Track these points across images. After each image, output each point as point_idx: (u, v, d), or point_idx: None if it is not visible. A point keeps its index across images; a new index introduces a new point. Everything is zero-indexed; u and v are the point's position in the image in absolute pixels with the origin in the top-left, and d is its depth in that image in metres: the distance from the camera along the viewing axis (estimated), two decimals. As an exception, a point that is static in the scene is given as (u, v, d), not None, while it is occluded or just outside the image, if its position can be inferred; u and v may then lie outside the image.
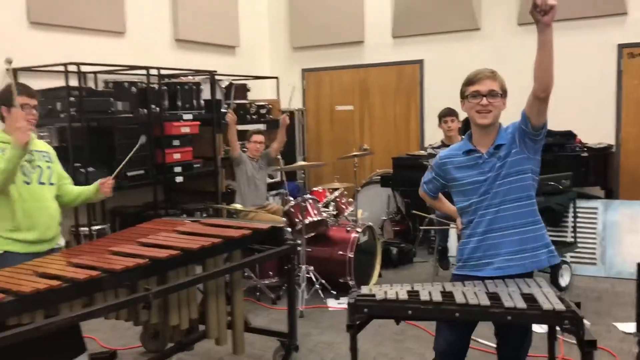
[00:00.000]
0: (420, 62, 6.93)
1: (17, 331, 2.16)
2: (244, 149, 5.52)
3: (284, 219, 4.82)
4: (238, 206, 4.95)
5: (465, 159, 2.44)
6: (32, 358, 2.49)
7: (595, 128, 5.90)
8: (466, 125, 4.57)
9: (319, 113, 7.70)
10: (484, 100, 2.35)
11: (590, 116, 5.97)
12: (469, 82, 2.41)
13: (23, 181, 2.90)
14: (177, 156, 5.59)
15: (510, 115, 2.53)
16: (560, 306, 2.12)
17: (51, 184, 3.05)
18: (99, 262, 2.64)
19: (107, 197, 3.28)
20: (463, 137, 2.57)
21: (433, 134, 6.21)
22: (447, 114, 4.86)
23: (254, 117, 6.61)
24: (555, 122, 5.86)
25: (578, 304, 2.17)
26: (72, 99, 4.71)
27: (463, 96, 2.45)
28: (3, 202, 2.85)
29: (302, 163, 4.93)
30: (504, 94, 2.40)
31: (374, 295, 2.30)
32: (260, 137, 5.46)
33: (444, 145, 4.84)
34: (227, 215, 5.22)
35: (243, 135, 6.93)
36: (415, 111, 7.07)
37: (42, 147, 3.13)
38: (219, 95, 6.21)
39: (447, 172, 2.49)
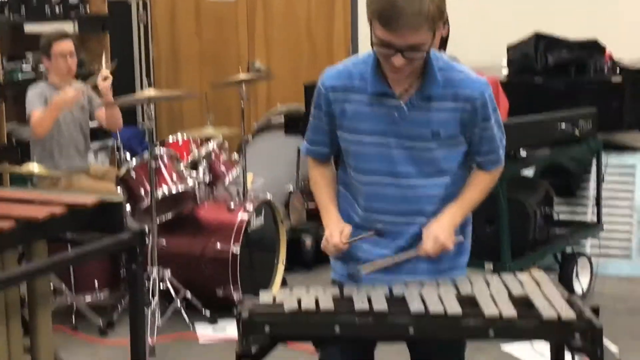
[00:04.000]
0: None
1: None
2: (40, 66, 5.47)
3: (119, 188, 4.95)
4: (36, 167, 4.98)
5: (369, 100, 2.64)
6: None
7: (635, 37, 6.31)
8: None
9: (176, 5, 7.79)
10: (399, 59, 2.46)
11: (628, 20, 6.38)
12: (380, 18, 2.43)
13: None
14: None
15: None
16: (569, 313, 2.41)
17: None
18: None
19: None
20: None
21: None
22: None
23: (57, 11, 6.69)
24: (573, 27, 6.24)
25: (596, 310, 2.48)
26: None
27: (371, 27, 2.51)
28: None
29: (150, 93, 5.01)
30: (435, 30, 2.48)
31: (280, 305, 2.49)
32: (67, 45, 5.48)
33: None
34: (14, 184, 5.24)
35: (33, 43, 6.87)
36: (345, 3, 7.30)
37: None
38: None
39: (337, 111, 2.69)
